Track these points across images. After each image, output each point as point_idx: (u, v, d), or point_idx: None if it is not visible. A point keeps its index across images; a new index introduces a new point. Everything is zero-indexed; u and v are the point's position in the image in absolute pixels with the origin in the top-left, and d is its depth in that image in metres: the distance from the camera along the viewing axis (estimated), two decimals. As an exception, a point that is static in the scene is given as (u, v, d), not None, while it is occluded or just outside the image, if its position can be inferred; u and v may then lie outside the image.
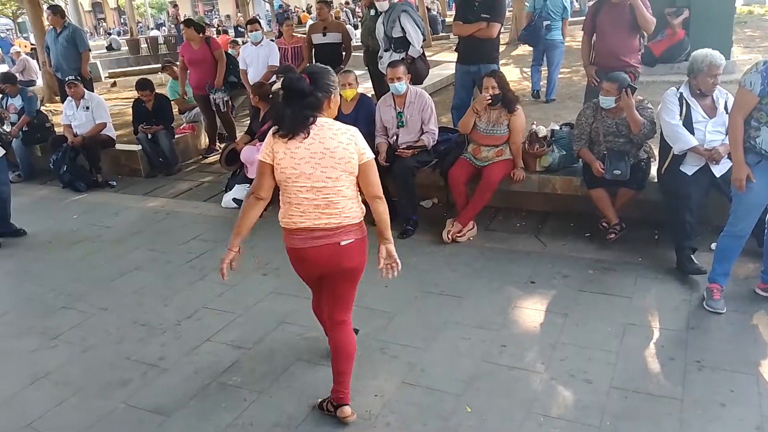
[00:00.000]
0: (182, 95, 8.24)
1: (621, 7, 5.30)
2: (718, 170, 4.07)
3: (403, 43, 6.40)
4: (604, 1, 5.56)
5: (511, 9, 17.35)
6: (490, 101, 4.79)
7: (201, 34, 7.53)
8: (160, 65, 17.60)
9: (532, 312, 3.81)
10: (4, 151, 5.67)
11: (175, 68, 8.61)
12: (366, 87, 7.52)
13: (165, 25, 31.43)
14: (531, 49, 9.03)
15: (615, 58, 5.34)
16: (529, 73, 8.88)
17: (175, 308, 4.20)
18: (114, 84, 13.50)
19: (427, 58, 6.84)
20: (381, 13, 6.63)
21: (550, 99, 8.40)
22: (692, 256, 4.05)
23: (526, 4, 11.30)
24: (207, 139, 8.23)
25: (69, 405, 3.26)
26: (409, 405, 3.05)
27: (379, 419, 2.96)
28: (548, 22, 8.24)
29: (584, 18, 6.03)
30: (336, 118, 2.67)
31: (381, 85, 6.72)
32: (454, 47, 6.44)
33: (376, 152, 5.26)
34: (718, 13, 8.47)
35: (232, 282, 4.49)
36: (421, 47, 6.48)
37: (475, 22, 5.84)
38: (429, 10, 20.11)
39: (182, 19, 25.19)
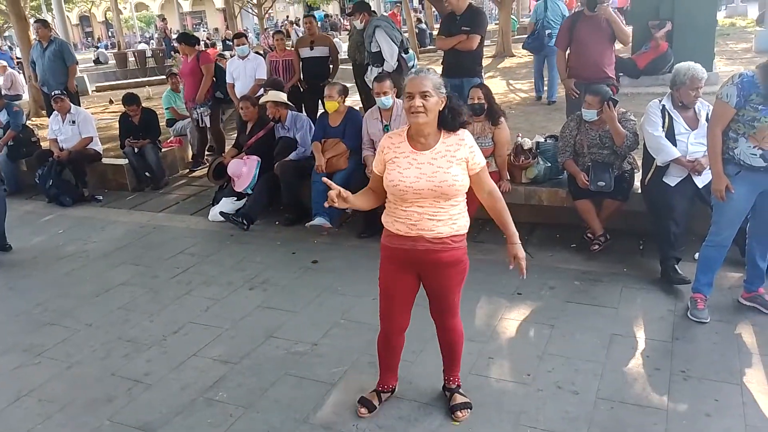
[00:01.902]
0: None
1: (597, 19, 5.41)
2: (701, 181, 4.12)
3: (379, 58, 6.45)
4: (579, 15, 5.65)
5: (497, 22, 17.55)
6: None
7: (196, 46, 7.64)
8: (147, 78, 17.71)
9: (519, 323, 3.82)
10: None
11: (177, 78, 8.63)
12: (354, 100, 7.56)
13: (152, 39, 31.38)
14: (518, 62, 9.31)
15: (596, 70, 5.44)
16: (533, 81, 9.66)
17: (162, 323, 4.17)
18: (111, 102, 13.30)
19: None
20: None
21: (551, 101, 9.06)
22: (676, 266, 4.08)
23: (513, 18, 11.91)
24: (193, 152, 8.28)
25: (54, 422, 3.22)
26: (396, 419, 3.03)
27: (367, 433, 2.95)
28: (549, 31, 8.93)
29: (557, 32, 6.12)
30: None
31: (369, 98, 6.77)
32: (441, 60, 6.50)
33: (364, 165, 5.31)
34: (701, 26, 8.62)
35: (218, 296, 4.49)
36: (396, 62, 6.50)
37: (457, 35, 5.91)
38: (420, 21, 20.27)
39: (170, 33, 25.29)
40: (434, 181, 2.62)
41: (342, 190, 2.65)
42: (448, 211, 2.69)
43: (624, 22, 5.53)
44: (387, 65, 6.42)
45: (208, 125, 7.72)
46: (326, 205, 2.68)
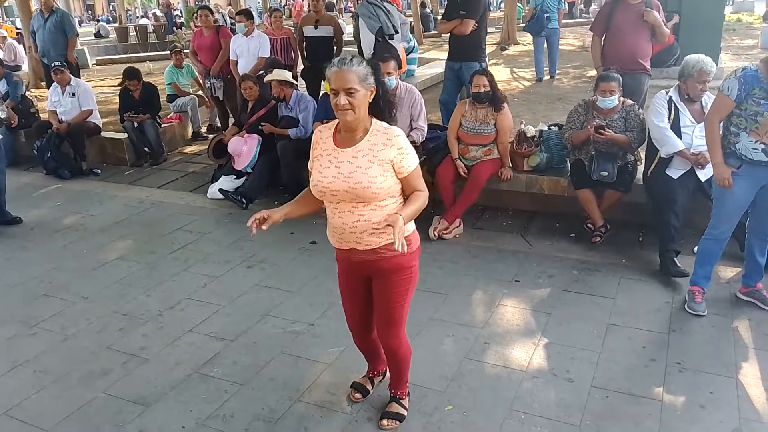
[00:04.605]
0: (196, 81, 8.58)
1: (638, 8, 5.23)
2: (704, 174, 4.11)
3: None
4: (618, 2, 5.39)
5: (503, 10, 17.41)
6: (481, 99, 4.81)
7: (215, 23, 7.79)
8: (148, 53, 17.56)
9: (516, 310, 3.82)
10: (1, 136, 5.56)
11: (181, 55, 8.60)
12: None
13: (148, 15, 31.09)
14: (521, 50, 9.60)
15: (631, 60, 5.21)
16: (534, 62, 10.69)
17: (158, 299, 4.16)
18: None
19: (418, 56, 6.89)
20: None
21: (554, 76, 10.35)
22: (675, 258, 4.08)
23: (519, 6, 12.87)
24: (193, 129, 8.37)
25: (48, 393, 3.23)
26: (391, 400, 3.04)
27: (361, 414, 2.95)
28: (548, 14, 10.12)
29: (594, 18, 5.85)
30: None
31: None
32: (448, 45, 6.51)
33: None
34: (708, 20, 8.57)
35: (216, 274, 4.48)
36: (372, 51, 6.43)
37: (455, 19, 5.95)
38: (424, 6, 20.09)
39: (172, 9, 25.07)
40: (349, 182, 2.39)
41: (264, 212, 2.47)
42: (369, 219, 2.43)
43: (663, 15, 5.37)
44: (365, 54, 6.42)
45: (221, 98, 7.78)
46: (254, 232, 2.46)
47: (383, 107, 2.48)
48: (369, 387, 3.07)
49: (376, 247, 2.50)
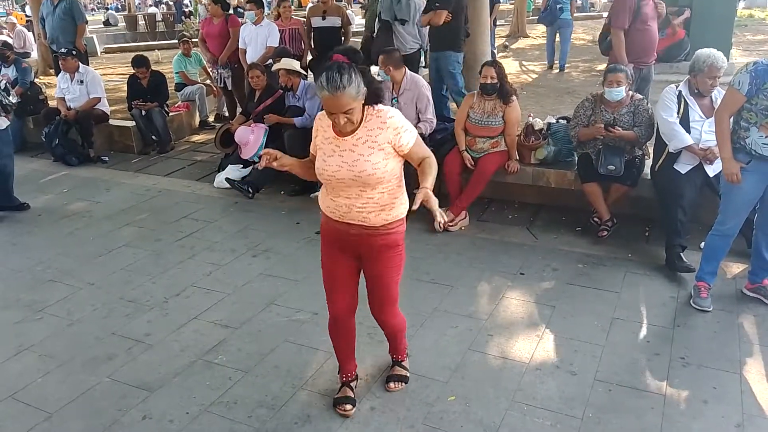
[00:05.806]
0: (204, 69, 8.62)
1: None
2: (712, 170, 4.09)
3: None
4: None
5: (513, 2, 17.36)
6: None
7: (225, 12, 7.71)
8: (157, 42, 17.57)
9: (520, 303, 3.82)
10: (8, 123, 5.57)
11: (189, 44, 8.60)
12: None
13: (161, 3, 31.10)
14: (531, 43, 9.77)
15: (650, 54, 5.30)
16: (545, 51, 11.14)
17: (163, 286, 4.18)
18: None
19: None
20: None
21: (563, 68, 10.42)
22: (681, 254, 4.06)
23: None
24: (201, 118, 8.41)
25: (52, 378, 3.25)
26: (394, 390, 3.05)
27: (364, 403, 2.96)
28: (560, 5, 10.38)
29: (614, 13, 5.53)
30: None
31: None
32: None
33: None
34: (719, 15, 8.51)
35: (221, 262, 4.49)
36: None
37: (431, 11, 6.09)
38: None
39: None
40: (354, 171, 2.45)
41: (278, 153, 2.58)
42: (378, 201, 2.52)
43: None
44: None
45: (229, 88, 7.78)
46: (260, 166, 2.62)
47: (375, 97, 2.47)
48: (351, 394, 2.95)
49: (377, 225, 2.58)
